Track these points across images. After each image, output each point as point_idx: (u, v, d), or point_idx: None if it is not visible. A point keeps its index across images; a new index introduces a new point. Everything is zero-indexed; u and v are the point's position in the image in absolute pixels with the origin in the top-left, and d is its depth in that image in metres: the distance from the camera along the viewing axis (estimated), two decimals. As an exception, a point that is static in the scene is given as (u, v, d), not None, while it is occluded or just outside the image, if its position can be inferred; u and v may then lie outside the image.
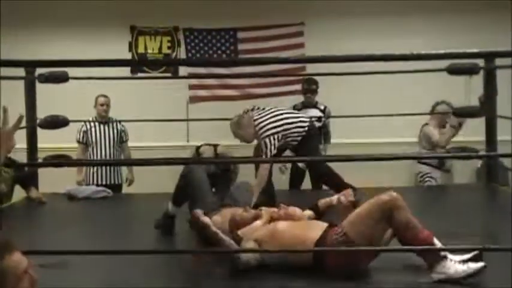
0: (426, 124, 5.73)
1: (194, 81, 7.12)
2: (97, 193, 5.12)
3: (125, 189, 5.95)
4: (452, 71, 3.98)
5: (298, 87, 6.47)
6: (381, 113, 5.68)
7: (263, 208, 3.38)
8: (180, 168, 6.18)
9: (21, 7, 6.93)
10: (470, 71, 4.12)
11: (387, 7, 7.01)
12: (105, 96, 5.86)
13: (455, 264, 2.72)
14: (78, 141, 5.81)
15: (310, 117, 5.00)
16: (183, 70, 6.99)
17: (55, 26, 7.06)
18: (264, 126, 4.53)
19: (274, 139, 4.50)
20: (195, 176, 3.74)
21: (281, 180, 5.82)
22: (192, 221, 3.41)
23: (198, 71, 6.98)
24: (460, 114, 4.94)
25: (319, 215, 3.44)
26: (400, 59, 3.11)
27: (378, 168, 5.31)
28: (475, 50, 3.14)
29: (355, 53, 3.35)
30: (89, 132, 5.79)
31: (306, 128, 4.62)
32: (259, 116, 4.60)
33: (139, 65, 7.13)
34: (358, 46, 6.09)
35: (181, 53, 7.19)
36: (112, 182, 5.78)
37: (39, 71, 4.29)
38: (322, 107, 5.98)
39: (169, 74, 7.06)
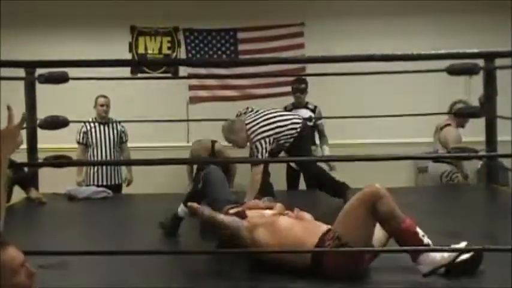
0: (448, 125, 5.62)
1: (194, 82, 7.12)
2: (97, 193, 5.12)
3: (125, 190, 5.95)
4: (452, 71, 3.98)
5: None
6: (381, 113, 5.68)
7: (278, 204, 3.36)
8: (180, 169, 6.26)
9: (21, 8, 6.93)
10: (470, 71, 4.12)
11: (387, 7, 7.01)
12: (105, 96, 5.86)
13: (442, 256, 2.71)
14: (78, 142, 5.81)
15: (303, 118, 4.97)
16: (183, 70, 6.99)
17: (55, 26, 7.06)
18: (256, 130, 4.50)
19: (266, 142, 4.48)
20: (215, 176, 3.68)
21: (281, 181, 5.83)
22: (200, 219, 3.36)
23: (198, 72, 6.99)
24: (459, 114, 4.95)
25: None
26: (400, 59, 3.12)
27: (378, 168, 5.31)
28: (475, 50, 3.14)
29: (355, 53, 3.33)
30: (89, 133, 5.79)
31: (299, 129, 4.61)
32: (251, 119, 4.57)
33: (139, 65, 7.12)
34: (358, 46, 6.09)
35: (182, 54, 7.19)
36: (112, 182, 5.78)
37: (39, 71, 4.29)
38: (312, 107, 5.95)
39: (169, 75, 7.06)
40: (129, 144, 6.03)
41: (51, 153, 3.07)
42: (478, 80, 5.11)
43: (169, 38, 7.24)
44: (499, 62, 4.82)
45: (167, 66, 7.12)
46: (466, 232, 3.47)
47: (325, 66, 5.18)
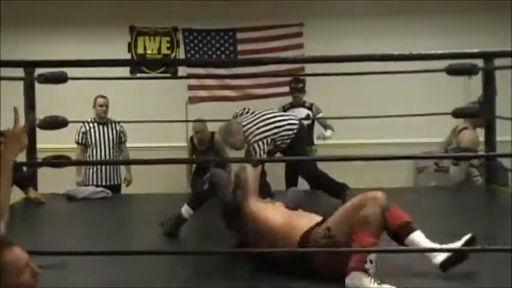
0: (465, 128, 5.55)
1: (193, 82, 7.12)
2: (96, 193, 5.11)
3: (124, 190, 5.95)
4: (451, 71, 3.98)
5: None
6: (380, 113, 5.67)
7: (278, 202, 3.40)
8: (179, 169, 6.25)
9: (21, 8, 6.93)
10: (469, 71, 4.12)
11: (387, 7, 7.01)
12: (104, 97, 5.86)
13: (372, 284, 2.59)
14: (78, 143, 5.81)
15: (299, 118, 4.96)
16: (182, 70, 6.99)
17: (55, 26, 7.07)
18: (253, 131, 4.50)
19: (263, 144, 4.48)
20: (220, 176, 3.66)
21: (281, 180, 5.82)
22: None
23: (197, 72, 6.98)
24: (459, 115, 4.94)
25: None
26: (400, 59, 3.11)
27: (378, 168, 5.32)
28: (474, 50, 3.14)
29: (354, 53, 3.33)
30: (88, 133, 5.79)
31: (295, 130, 4.61)
32: (248, 121, 4.57)
33: (138, 65, 7.12)
34: (358, 46, 6.09)
35: (181, 54, 7.19)
36: (111, 182, 5.78)
37: (39, 71, 4.28)
38: (308, 105, 5.95)
39: (168, 75, 7.06)
40: (128, 145, 6.03)
41: (50, 154, 3.06)
42: (477, 80, 5.11)
43: (168, 38, 7.24)
44: (498, 62, 4.82)
45: (166, 66, 7.12)
46: (466, 232, 3.46)
47: (324, 67, 5.18)
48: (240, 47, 7.18)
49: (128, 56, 7.15)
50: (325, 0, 7.05)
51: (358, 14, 7.04)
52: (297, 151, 4.57)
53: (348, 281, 2.63)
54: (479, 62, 4.56)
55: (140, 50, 7.23)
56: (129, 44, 7.20)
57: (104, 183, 5.66)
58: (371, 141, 6.71)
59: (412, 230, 2.77)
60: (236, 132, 4.53)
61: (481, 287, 2.70)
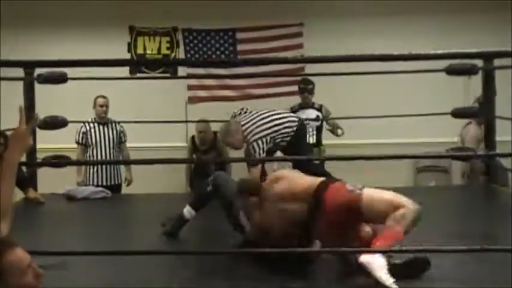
0: (469, 123, 5.51)
1: (193, 82, 7.12)
2: (96, 193, 5.11)
3: (124, 190, 5.95)
4: (451, 71, 3.98)
5: (297, 87, 6.46)
6: (380, 113, 5.67)
7: None
8: (179, 169, 6.25)
9: (21, 8, 6.93)
10: (469, 71, 4.12)
11: (387, 7, 7.01)
12: (104, 97, 5.86)
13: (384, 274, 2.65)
14: (78, 143, 5.80)
15: (300, 117, 4.96)
16: (182, 70, 7.00)
17: (55, 26, 7.07)
18: (252, 130, 4.50)
19: (263, 143, 4.48)
20: (224, 177, 3.67)
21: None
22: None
23: (197, 72, 6.99)
24: (458, 115, 4.93)
25: None
26: (400, 59, 3.11)
27: (378, 168, 5.32)
28: (474, 50, 3.14)
29: (354, 53, 3.32)
30: (88, 133, 5.79)
31: (295, 128, 4.60)
32: (246, 120, 4.57)
33: (138, 65, 7.12)
34: (358, 46, 6.08)
35: (180, 54, 7.19)
36: (111, 182, 5.77)
37: (38, 71, 4.28)
38: (317, 106, 5.93)
39: (168, 75, 7.06)
40: (128, 145, 6.02)
41: (50, 154, 3.06)
42: (477, 81, 5.11)
43: (168, 38, 7.24)
44: (498, 62, 4.82)
45: (166, 66, 7.12)
46: (466, 232, 3.47)
47: (324, 67, 5.17)
48: (239, 47, 7.18)
49: (128, 56, 7.15)
50: (325, 0, 7.05)
51: (358, 14, 7.04)
52: (297, 149, 4.57)
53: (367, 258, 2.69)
54: (479, 62, 4.56)
55: (140, 50, 7.23)
56: (129, 44, 7.20)
57: (104, 183, 5.66)
58: (371, 141, 6.70)
59: None
60: (235, 132, 4.54)
61: (481, 287, 2.70)
